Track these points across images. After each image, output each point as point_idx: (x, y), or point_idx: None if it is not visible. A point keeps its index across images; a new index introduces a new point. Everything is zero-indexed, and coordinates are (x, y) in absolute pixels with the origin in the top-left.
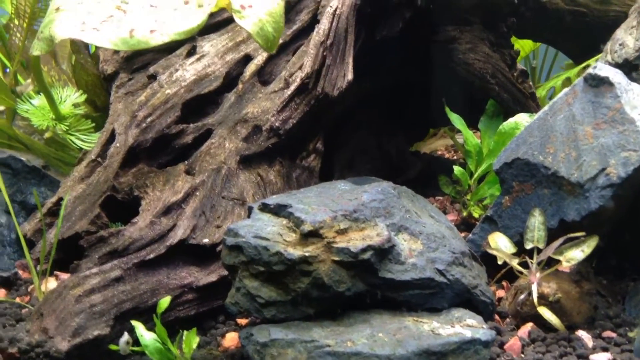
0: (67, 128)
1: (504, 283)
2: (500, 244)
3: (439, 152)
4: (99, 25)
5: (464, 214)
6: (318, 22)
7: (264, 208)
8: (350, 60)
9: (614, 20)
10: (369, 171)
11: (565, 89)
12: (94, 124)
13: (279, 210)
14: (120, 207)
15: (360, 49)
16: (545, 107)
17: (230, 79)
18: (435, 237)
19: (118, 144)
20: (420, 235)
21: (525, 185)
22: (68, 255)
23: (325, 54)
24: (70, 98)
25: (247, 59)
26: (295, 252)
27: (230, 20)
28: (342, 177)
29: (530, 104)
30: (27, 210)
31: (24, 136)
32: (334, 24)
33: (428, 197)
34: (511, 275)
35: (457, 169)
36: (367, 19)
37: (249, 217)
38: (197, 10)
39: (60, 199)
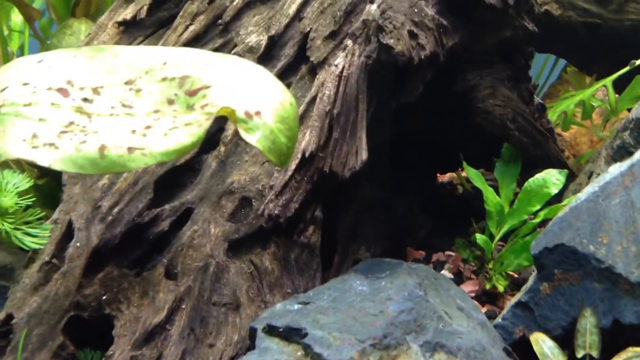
0: (13, 224)
1: None
2: (545, 349)
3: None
4: (56, 138)
5: (487, 286)
6: (306, 57)
7: (271, 331)
8: (364, 136)
9: (630, 28)
10: (375, 238)
11: (621, 167)
12: (43, 214)
13: (289, 335)
14: (85, 325)
15: (374, 116)
16: (595, 187)
17: (209, 137)
18: (475, 351)
19: (79, 244)
20: (459, 352)
21: (571, 275)
22: None
23: (332, 125)
24: (13, 185)
25: None
26: None
27: None
28: (345, 250)
29: (550, 144)
30: None
31: None
32: (340, 88)
33: (437, 253)
34: None
35: (479, 237)
36: (380, 82)
37: (250, 339)
38: (190, 118)
39: (10, 316)
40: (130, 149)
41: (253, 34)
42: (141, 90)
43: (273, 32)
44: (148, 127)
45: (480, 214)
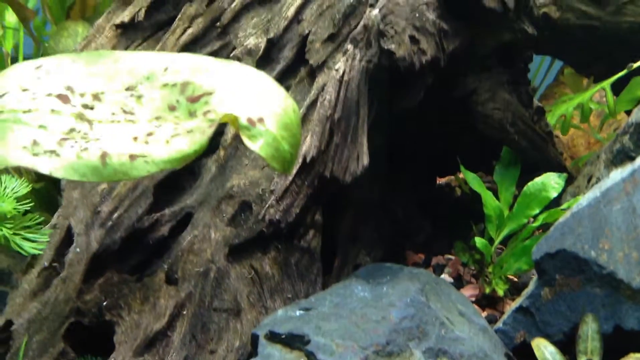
0: (12, 230)
1: None
2: (547, 354)
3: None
4: (57, 145)
5: (487, 290)
6: (305, 60)
7: (273, 338)
8: (365, 141)
9: (627, 30)
10: (375, 242)
11: (623, 173)
12: (42, 218)
13: (292, 342)
14: (86, 331)
15: (374, 121)
16: (597, 192)
17: (209, 141)
18: (477, 358)
19: (79, 250)
20: (461, 359)
21: (572, 281)
22: None
23: (332, 130)
24: (11, 190)
25: None
26: None
27: None
28: (346, 254)
29: (549, 148)
30: None
31: None
32: (341, 93)
33: (437, 257)
34: None
35: (479, 240)
36: (381, 87)
37: (253, 347)
38: (192, 125)
39: (9, 322)
40: (133, 157)
41: (252, 37)
42: (142, 97)
43: (272, 34)
44: (150, 134)
45: (479, 216)
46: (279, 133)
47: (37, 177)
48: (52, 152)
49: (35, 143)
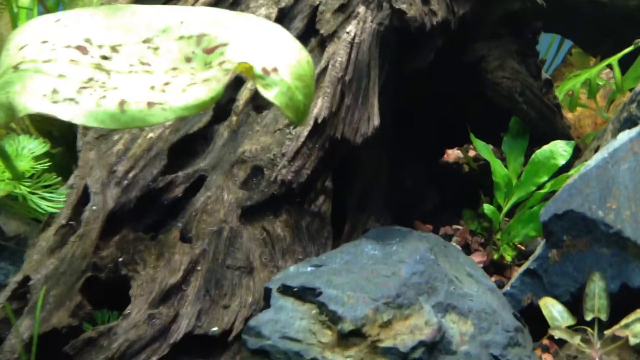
0: (29, 189)
1: (547, 343)
2: (555, 313)
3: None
4: (76, 93)
5: (495, 256)
6: (316, 30)
7: (286, 291)
8: (375, 102)
9: (635, 7)
10: (383, 209)
11: (630, 133)
12: (59, 178)
13: (304, 295)
14: (102, 286)
15: (384, 84)
16: (605, 153)
17: (220, 107)
18: (485, 313)
19: (95, 207)
20: (469, 314)
21: (579, 241)
22: (40, 357)
23: (344, 91)
24: (28, 150)
25: (239, 81)
26: (335, 358)
27: None
28: (355, 220)
29: (557, 119)
30: None
31: None
32: (352, 55)
33: (445, 227)
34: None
35: (487, 207)
36: (391, 49)
37: (265, 300)
38: (208, 75)
39: (27, 278)
40: (150, 104)
41: (263, 7)
42: (159, 49)
43: (283, 4)
44: (167, 84)
45: (486, 192)
46: (293, 83)
47: (54, 143)
48: (72, 99)
49: (54, 91)
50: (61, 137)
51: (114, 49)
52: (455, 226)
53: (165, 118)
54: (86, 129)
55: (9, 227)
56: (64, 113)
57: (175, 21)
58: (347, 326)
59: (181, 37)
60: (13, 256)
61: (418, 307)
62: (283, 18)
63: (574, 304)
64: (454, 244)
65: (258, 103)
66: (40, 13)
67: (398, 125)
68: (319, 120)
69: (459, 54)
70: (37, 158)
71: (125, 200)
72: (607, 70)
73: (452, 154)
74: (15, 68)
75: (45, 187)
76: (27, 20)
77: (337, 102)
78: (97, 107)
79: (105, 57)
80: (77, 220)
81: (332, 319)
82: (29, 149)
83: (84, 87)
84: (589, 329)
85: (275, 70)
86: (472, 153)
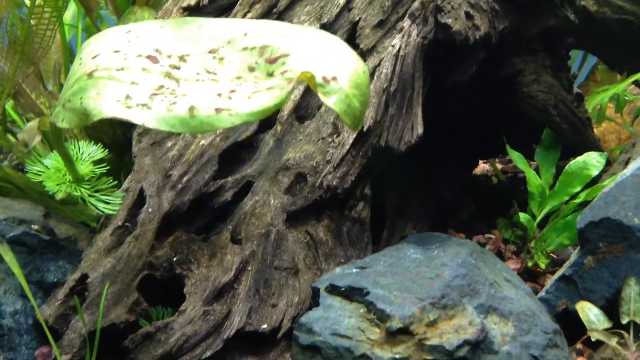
0: (88, 191)
1: (581, 347)
2: (591, 316)
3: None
4: (148, 99)
5: (529, 263)
6: (356, 45)
7: (333, 290)
8: (419, 111)
9: None
10: (421, 217)
11: None
12: (115, 182)
13: (351, 294)
14: (157, 284)
15: (427, 96)
16: None
17: (266, 117)
18: (525, 315)
19: (151, 210)
20: (510, 316)
21: (615, 248)
22: (100, 350)
23: (388, 101)
24: (88, 155)
25: None
26: (384, 355)
27: None
28: (393, 227)
29: (588, 132)
30: (44, 289)
31: (16, 175)
32: (397, 67)
33: (477, 236)
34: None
35: (522, 215)
36: (435, 62)
37: (313, 299)
38: (272, 83)
39: (85, 275)
40: (218, 110)
41: (305, 23)
42: (224, 59)
43: (325, 20)
44: (232, 91)
45: (516, 203)
46: (350, 91)
47: (104, 147)
48: (144, 105)
49: (128, 97)
50: (111, 144)
51: (182, 58)
52: (487, 235)
53: (232, 123)
54: (141, 136)
55: (59, 230)
56: (137, 117)
57: (239, 33)
58: (395, 324)
59: (245, 48)
60: (70, 256)
61: (461, 308)
62: None
63: (610, 308)
64: None
65: (301, 114)
66: (84, 29)
67: (436, 136)
68: (364, 129)
69: (497, 68)
70: (94, 163)
71: (179, 203)
72: (632, 86)
73: (479, 167)
74: (90, 75)
75: (102, 190)
76: (69, 35)
77: (381, 112)
78: (168, 112)
79: (174, 66)
80: (133, 222)
81: (380, 317)
82: (88, 154)
83: (156, 94)
84: (625, 333)
85: (334, 79)
86: (499, 166)
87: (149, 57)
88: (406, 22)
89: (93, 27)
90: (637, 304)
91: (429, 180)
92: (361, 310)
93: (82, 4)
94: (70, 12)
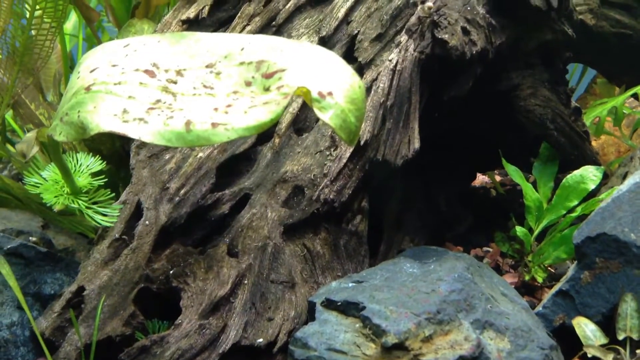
0: (86, 203)
1: None
2: (588, 332)
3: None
4: (145, 114)
5: (526, 277)
6: (354, 58)
7: (329, 305)
8: (416, 126)
9: None
10: (418, 230)
11: None
12: (113, 194)
13: (347, 309)
14: (153, 297)
15: (423, 109)
16: (637, 178)
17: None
18: (522, 331)
19: (148, 222)
20: (506, 332)
21: (611, 263)
22: None
23: (385, 115)
24: (86, 167)
25: None
26: None
27: None
28: (391, 240)
29: (586, 146)
30: (41, 301)
31: (15, 185)
32: (394, 81)
33: (475, 249)
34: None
35: (519, 229)
36: (432, 77)
37: (309, 314)
38: (268, 98)
39: (82, 288)
40: (214, 124)
41: (304, 36)
42: (221, 73)
43: (323, 33)
44: (229, 106)
45: (514, 215)
46: (346, 106)
47: (102, 159)
48: (141, 119)
49: (125, 111)
50: (109, 156)
51: (179, 73)
52: (485, 248)
53: (228, 137)
54: (139, 148)
55: (57, 241)
56: (134, 132)
57: (236, 48)
58: (390, 340)
59: (242, 63)
60: (68, 267)
61: (457, 324)
62: (323, 46)
63: (606, 324)
64: None
65: (299, 126)
66: (85, 39)
67: (433, 149)
68: (362, 143)
69: (494, 82)
70: (92, 175)
71: (176, 216)
72: (631, 99)
73: (477, 179)
74: (87, 89)
75: (99, 202)
76: (70, 45)
77: (378, 126)
78: (165, 126)
79: (171, 81)
80: (130, 234)
81: (375, 332)
82: (86, 166)
83: (152, 108)
84: (621, 348)
85: (330, 94)
86: (497, 178)
87: (146, 71)
88: (403, 37)
89: (94, 37)
90: (634, 320)
91: (427, 192)
92: (357, 325)
93: (83, 15)
94: (72, 23)
